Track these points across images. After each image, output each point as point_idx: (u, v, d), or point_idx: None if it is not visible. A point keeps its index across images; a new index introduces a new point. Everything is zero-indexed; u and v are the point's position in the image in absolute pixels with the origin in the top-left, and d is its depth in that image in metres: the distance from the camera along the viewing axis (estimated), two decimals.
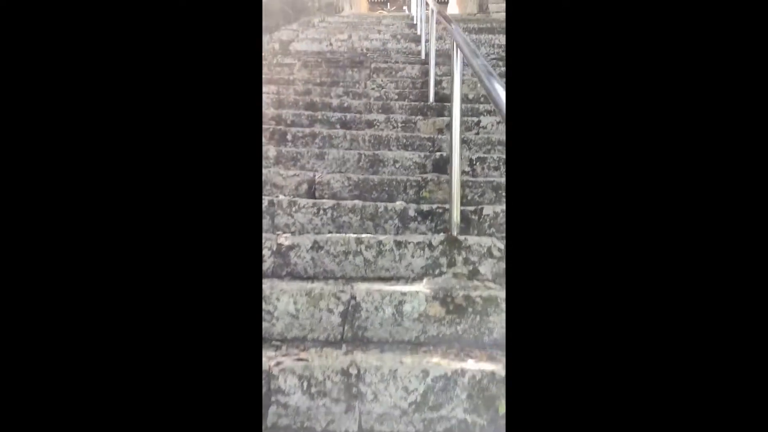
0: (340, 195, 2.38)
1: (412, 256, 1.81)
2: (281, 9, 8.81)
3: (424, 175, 2.51)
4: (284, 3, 9.11)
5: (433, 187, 2.39)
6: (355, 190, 2.39)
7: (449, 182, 2.38)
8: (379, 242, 1.81)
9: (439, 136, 2.95)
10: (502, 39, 6.61)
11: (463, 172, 2.60)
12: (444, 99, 3.70)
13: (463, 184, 2.35)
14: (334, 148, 2.91)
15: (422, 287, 1.61)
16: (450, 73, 4.19)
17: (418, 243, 1.81)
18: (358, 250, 1.81)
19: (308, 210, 2.10)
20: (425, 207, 2.12)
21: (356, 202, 2.15)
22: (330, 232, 2.09)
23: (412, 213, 2.10)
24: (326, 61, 4.90)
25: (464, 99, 3.64)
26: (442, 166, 2.65)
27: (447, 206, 2.12)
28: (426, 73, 4.33)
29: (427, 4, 5.66)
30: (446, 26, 3.15)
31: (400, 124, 3.20)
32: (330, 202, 2.12)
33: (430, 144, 2.92)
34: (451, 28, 2.73)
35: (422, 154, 2.67)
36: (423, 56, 5.25)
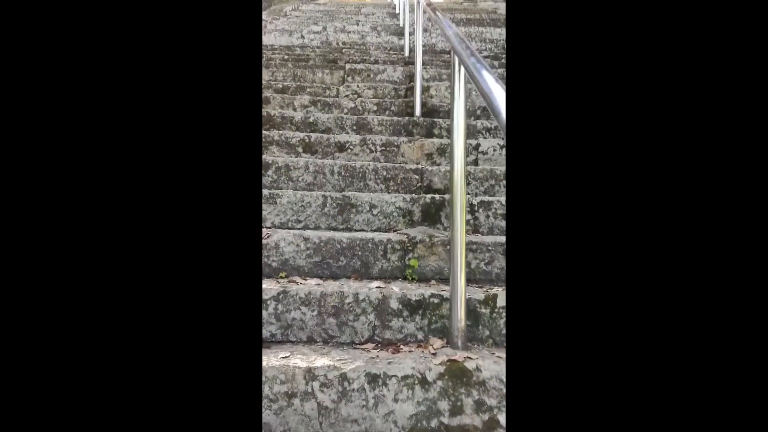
0: (293, 264, 1.70)
1: (395, 400, 1.14)
2: None
3: (411, 231, 1.84)
4: None
5: (423, 250, 1.72)
6: (316, 255, 1.71)
7: (446, 244, 1.71)
8: (343, 377, 1.14)
9: (430, 167, 2.28)
10: (493, 32, 5.94)
11: None
12: (434, 111, 3.02)
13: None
14: (291, 183, 2.22)
15: None
16: (438, 77, 3.48)
17: (405, 378, 1.15)
18: (309, 389, 1.14)
19: None
20: (414, 293, 1.45)
21: (313, 286, 1.47)
22: (272, 334, 1.41)
23: (394, 305, 1.43)
24: (294, 60, 4.17)
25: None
26: (435, 212, 1.98)
27: (446, 292, 1.46)
28: (411, 77, 3.64)
29: None
30: (433, 17, 2.47)
31: (379, 148, 2.51)
32: (274, 289, 1.43)
33: (417, 178, 2.25)
34: (441, 22, 2.05)
35: (408, 197, 2.00)
36: (407, 53, 4.55)
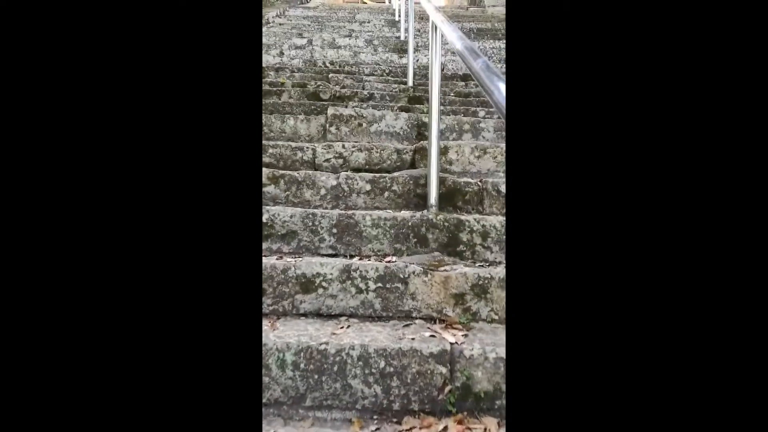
0: None
1: None
2: None
3: None
4: None
5: None
6: None
7: None
8: None
9: (467, 346, 1.22)
10: None
11: None
12: (456, 193, 1.96)
13: None
14: None
15: None
16: (458, 128, 2.47)
17: None
18: None
19: None
20: None
21: None
22: None
23: None
24: (263, 94, 3.10)
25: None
26: None
27: None
28: (418, 125, 2.57)
29: None
30: (476, 69, 1.41)
31: (372, 285, 1.45)
32: None
33: (444, 373, 1.19)
34: (488, 86, 1.01)
35: None
36: (410, 80, 3.48)
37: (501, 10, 7.77)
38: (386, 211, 1.81)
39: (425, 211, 1.81)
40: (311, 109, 2.77)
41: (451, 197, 1.96)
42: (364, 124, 2.51)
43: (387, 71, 3.91)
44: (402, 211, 1.82)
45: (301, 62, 4.20)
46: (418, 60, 4.41)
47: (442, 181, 1.95)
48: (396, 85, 3.36)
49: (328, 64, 4.16)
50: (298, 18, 6.61)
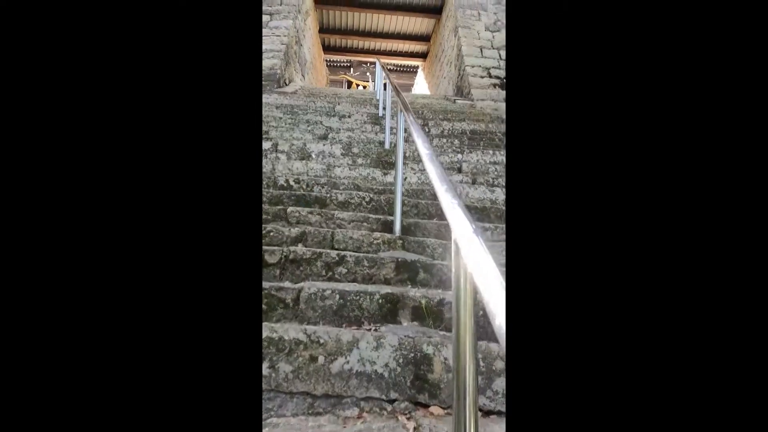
0: None
1: None
2: None
3: None
4: None
5: None
6: None
7: None
8: None
9: None
10: None
11: None
12: None
13: None
14: None
15: None
16: (488, 369, 1.27)
17: None
18: None
19: None
20: None
21: None
22: None
23: None
24: None
25: None
26: None
27: None
28: (416, 360, 1.43)
29: (392, 88, 2.93)
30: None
31: None
32: None
33: None
34: None
35: None
36: (398, 227, 2.43)
37: (490, 104, 7.04)
38: None
39: None
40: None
41: None
42: (321, 358, 1.37)
43: (367, 200, 2.86)
44: None
45: None
46: (406, 179, 3.41)
47: None
48: (379, 234, 2.30)
49: (292, 183, 3.11)
50: (269, 107, 5.68)
